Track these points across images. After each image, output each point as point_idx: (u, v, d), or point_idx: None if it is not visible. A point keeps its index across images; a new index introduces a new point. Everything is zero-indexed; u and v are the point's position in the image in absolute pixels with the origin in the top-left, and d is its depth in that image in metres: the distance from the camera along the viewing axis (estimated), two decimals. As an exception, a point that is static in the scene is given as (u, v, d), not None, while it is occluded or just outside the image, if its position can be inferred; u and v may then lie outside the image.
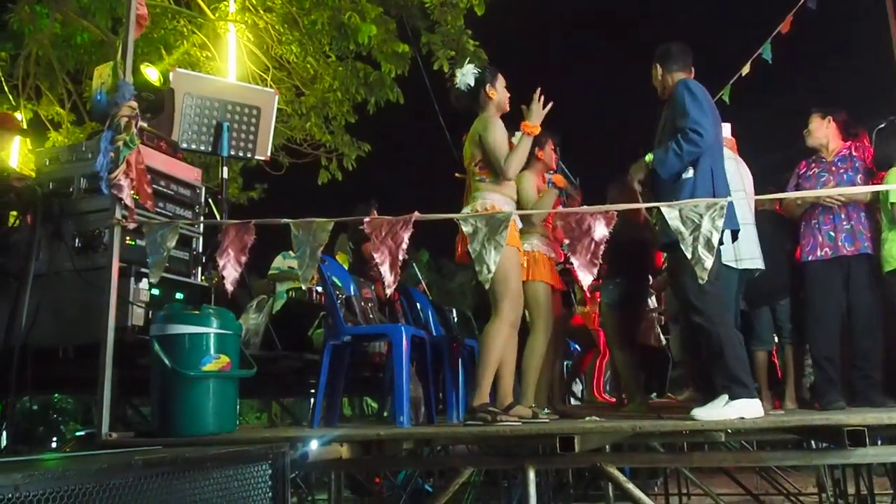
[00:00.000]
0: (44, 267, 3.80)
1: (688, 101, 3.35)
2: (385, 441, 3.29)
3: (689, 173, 3.33)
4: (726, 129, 4.12)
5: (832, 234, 4.12)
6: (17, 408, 4.01)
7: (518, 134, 3.58)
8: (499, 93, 3.66)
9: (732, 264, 3.81)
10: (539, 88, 3.54)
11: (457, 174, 3.70)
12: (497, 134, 3.52)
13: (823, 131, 4.34)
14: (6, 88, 7.88)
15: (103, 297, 3.26)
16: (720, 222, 2.87)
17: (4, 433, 3.92)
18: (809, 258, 4.17)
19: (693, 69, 3.60)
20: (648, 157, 3.42)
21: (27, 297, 3.66)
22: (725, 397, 3.13)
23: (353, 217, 3.43)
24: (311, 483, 7.28)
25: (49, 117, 8.58)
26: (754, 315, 4.58)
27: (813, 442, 4.59)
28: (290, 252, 6.71)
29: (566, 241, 2.96)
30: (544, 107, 3.54)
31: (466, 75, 3.63)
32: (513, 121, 3.82)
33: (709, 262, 2.84)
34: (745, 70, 7.39)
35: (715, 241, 2.85)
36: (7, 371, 3.48)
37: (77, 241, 3.79)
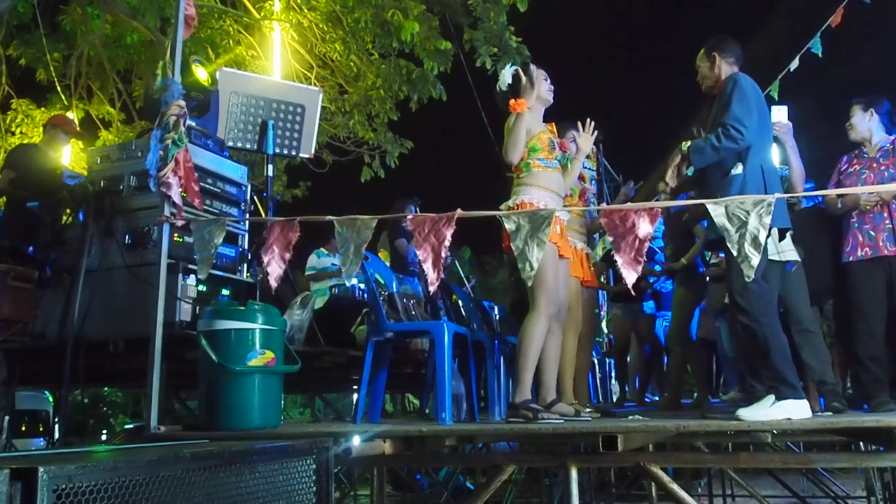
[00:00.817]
0: (95, 262, 3.91)
1: (735, 96, 3.29)
2: (427, 437, 3.29)
3: (739, 169, 3.27)
4: (783, 112, 3.96)
5: (872, 233, 3.99)
6: (69, 400, 4.13)
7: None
8: (538, 86, 3.65)
9: (776, 258, 3.73)
10: (590, 120, 3.74)
11: (508, 174, 3.70)
12: (511, 124, 3.55)
13: (866, 124, 4.16)
14: (59, 88, 8.12)
15: (152, 292, 3.33)
16: (767, 219, 2.80)
17: (57, 425, 4.03)
18: (850, 259, 4.04)
19: (741, 66, 3.54)
20: (683, 145, 3.38)
21: (79, 291, 3.77)
22: (772, 397, 3.06)
23: (395, 214, 3.44)
24: (354, 479, 7.36)
25: (100, 116, 8.82)
26: None
27: (862, 444, 4.47)
28: (324, 250, 6.83)
29: (609, 239, 2.92)
30: (592, 132, 3.76)
31: (506, 76, 3.68)
32: (557, 115, 3.83)
33: (755, 259, 2.77)
34: (794, 65, 7.20)
35: (762, 239, 2.78)
36: (60, 363, 3.58)
37: (127, 237, 3.89)
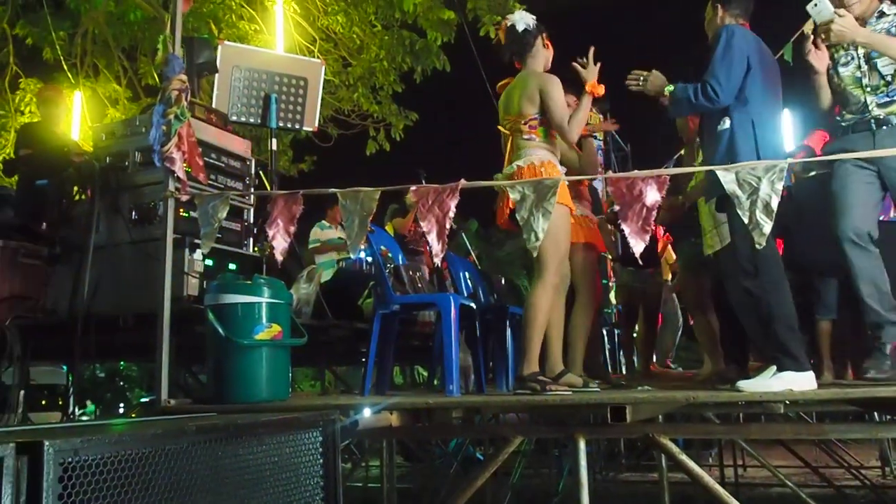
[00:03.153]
0: (103, 239, 3.93)
1: (718, 51, 3.14)
2: (434, 409, 3.30)
3: (725, 124, 3.15)
4: (824, 4, 2.99)
5: None
6: (85, 376, 4.17)
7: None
8: (549, 48, 3.59)
9: None
10: (592, 48, 3.48)
11: (500, 127, 3.60)
12: (561, 95, 3.41)
13: None
14: (65, 67, 8.09)
15: (159, 267, 3.34)
16: (779, 185, 2.76)
17: (71, 399, 4.08)
18: (881, 217, 3.90)
19: (748, 19, 3.39)
20: (669, 89, 3.26)
21: (88, 267, 3.78)
22: (773, 368, 3.00)
23: (399, 186, 3.41)
24: (365, 449, 7.43)
25: (107, 94, 8.79)
26: (822, 284, 4.41)
27: (876, 414, 4.45)
28: (325, 222, 6.82)
29: (616, 206, 2.89)
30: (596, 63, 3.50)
31: (525, 17, 3.53)
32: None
33: (767, 226, 2.73)
34: (808, 27, 7.05)
35: (774, 205, 2.73)
36: (71, 339, 3.61)
37: (133, 213, 3.90)
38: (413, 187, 3.06)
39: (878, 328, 3.04)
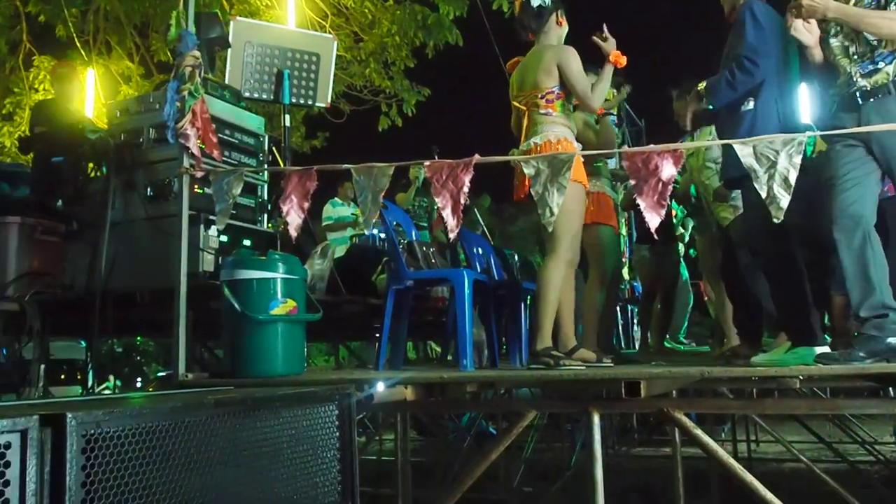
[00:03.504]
0: (119, 215, 3.94)
1: (748, 25, 3.12)
2: (448, 384, 3.32)
3: (749, 105, 3.14)
4: None
5: None
6: (103, 351, 4.22)
7: None
8: (563, 25, 3.57)
9: None
10: (604, 24, 3.50)
11: (516, 103, 3.57)
12: (580, 64, 3.43)
13: None
14: (78, 44, 8.10)
15: (175, 244, 3.35)
16: (798, 159, 2.72)
17: (90, 374, 4.14)
18: (890, 194, 3.88)
19: None
20: (701, 85, 3.27)
21: (105, 244, 3.81)
22: (788, 343, 3.01)
23: (412, 161, 3.40)
24: (379, 423, 7.51)
25: (119, 72, 8.80)
26: (837, 260, 4.38)
27: (891, 390, 4.43)
28: (338, 199, 6.84)
29: (631, 182, 2.87)
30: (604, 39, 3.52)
31: None
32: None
33: (785, 201, 2.70)
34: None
35: (793, 179, 2.70)
36: (89, 315, 3.65)
37: (148, 189, 3.91)
38: (426, 162, 3.06)
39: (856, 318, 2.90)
